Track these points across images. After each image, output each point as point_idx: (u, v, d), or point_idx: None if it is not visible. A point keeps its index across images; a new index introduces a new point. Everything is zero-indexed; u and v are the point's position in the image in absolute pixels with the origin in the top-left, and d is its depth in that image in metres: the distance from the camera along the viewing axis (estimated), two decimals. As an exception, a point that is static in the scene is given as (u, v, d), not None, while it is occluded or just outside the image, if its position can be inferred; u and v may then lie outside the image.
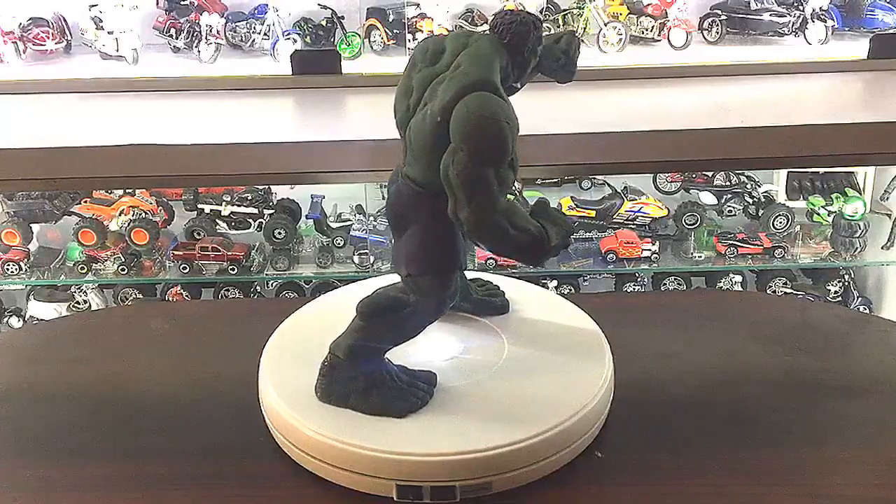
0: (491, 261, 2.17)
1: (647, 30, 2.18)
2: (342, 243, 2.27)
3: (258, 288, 2.34)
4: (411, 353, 0.81)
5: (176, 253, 2.23)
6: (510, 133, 0.65)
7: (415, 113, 0.69)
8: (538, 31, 0.71)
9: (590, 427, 0.79)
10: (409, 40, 2.13)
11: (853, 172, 2.30)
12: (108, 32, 2.13)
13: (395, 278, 0.87)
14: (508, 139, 0.65)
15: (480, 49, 0.69)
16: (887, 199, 2.31)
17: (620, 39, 2.15)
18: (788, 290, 2.32)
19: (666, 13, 2.17)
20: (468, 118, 0.64)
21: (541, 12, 2.19)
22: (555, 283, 2.27)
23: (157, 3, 2.22)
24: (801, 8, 2.16)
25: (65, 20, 2.21)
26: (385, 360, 0.78)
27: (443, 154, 0.66)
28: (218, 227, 2.28)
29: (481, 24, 2.16)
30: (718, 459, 0.80)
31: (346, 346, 0.76)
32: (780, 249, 2.24)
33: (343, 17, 2.22)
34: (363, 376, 0.76)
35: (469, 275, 0.94)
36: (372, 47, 2.21)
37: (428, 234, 0.72)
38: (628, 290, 2.29)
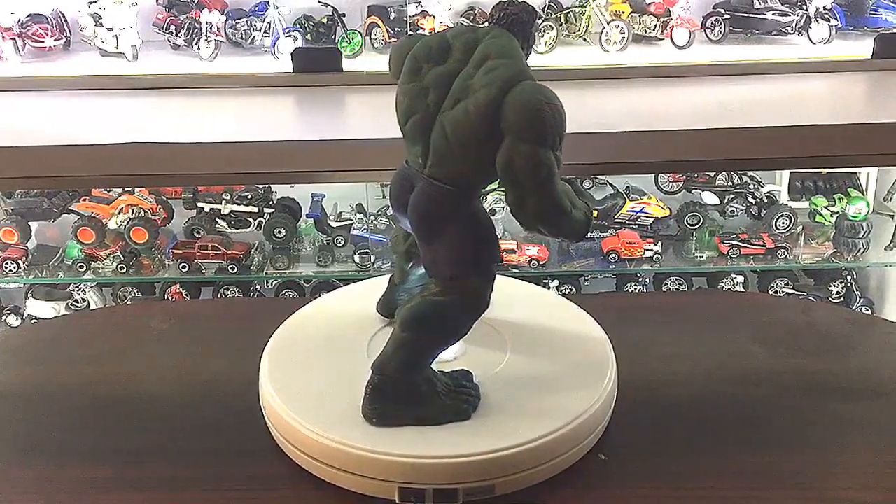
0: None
1: (649, 28, 2.17)
2: (343, 242, 2.26)
3: (258, 287, 2.34)
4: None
5: (175, 251, 2.22)
6: (565, 115, 0.66)
7: (437, 112, 0.68)
8: (537, 19, 0.72)
9: (593, 429, 0.78)
10: (411, 38, 2.12)
11: (856, 173, 2.29)
12: (108, 29, 2.13)
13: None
14: (565, 120, 0.66)
15: (503, 41, 0.69)
16: (890, 199, 2.30)
17: (623, 38, 2.14)
18: (790, 291, 2.32)
19: (669, 12, 2.16)
20: (528, 107, 0.65)
21: (543, 10, 2.18)
22: (556, 283, 2.26)
23: (157, 0, 2.21)
24: (804, 7, 2.16)
25: (64, 17, 2.20)
26: (432, 368, 0.76)
27: (488, 148, 0.66)
28: (218, 225, 2.27)
29: (483, 22, 2.15)
30: (722, 462, 0.79)
31: (395, 363, 0.74)
32: (782, 250, 2.23)
33: (344, 15, 2.22)
34: (416, 389, 0.74)
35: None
36: (373, 45, 2.20)
37: (469, 233, 0.71)
38: (629, 291, 2.29)
